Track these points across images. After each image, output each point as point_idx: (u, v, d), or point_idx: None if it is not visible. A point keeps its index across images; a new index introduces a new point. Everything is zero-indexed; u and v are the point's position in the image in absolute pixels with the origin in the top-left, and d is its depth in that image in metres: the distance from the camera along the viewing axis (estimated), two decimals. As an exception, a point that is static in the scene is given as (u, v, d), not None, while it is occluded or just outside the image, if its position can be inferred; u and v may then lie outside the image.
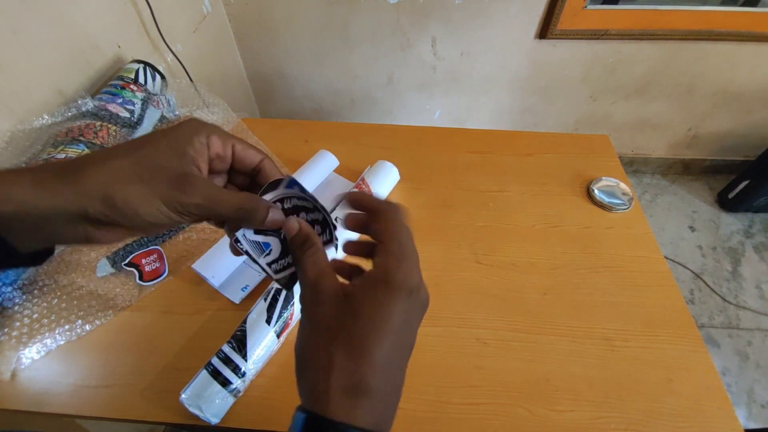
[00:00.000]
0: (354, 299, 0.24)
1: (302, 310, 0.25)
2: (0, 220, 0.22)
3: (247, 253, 0.28)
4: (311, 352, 0.24)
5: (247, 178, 0.30)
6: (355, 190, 0.30)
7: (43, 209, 0.22)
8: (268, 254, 0.29)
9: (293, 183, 0.28)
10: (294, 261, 0.27)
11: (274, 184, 0.28)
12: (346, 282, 0.27)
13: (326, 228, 0.29)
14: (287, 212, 0.29)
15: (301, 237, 0.27)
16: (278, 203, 0.28)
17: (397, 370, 0.24)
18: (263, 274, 0.56)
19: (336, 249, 0.29)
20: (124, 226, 0.24)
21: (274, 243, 0.29)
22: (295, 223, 0.27)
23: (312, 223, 0.29)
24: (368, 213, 0.27)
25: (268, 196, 0.28)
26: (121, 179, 0.23)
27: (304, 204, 0.29)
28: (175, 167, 0.24)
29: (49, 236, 0.24)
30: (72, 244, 0.27)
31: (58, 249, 0.57)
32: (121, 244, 0.58)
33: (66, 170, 0.23)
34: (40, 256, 0.26)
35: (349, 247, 0.29)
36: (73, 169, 0.23)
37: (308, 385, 0.23)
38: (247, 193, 0.27)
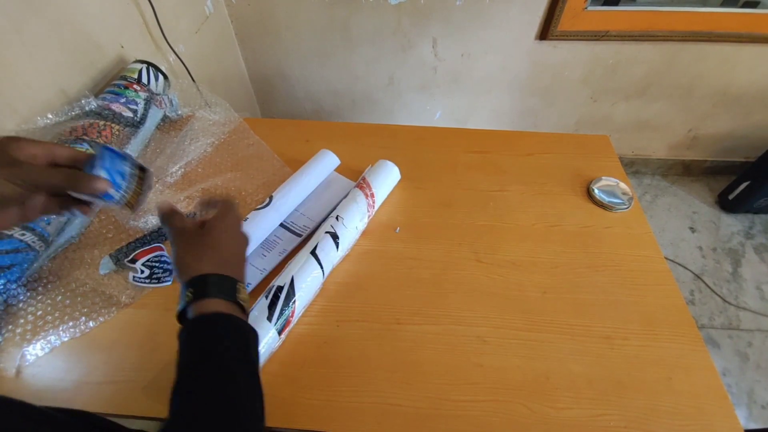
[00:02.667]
0: (208, 227, 0.42)
1: (175, 241, 0.41)
2: None
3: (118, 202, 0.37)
4: (187, 255, 0.40)
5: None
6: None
7: None
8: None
9: (106, 149, 0.36)
10: (164, 222, 0.42)
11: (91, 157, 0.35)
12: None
13: (146, 177, 0.39)
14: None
15: (166, 212, 0.43)
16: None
17: (237, 254, 0.43)
18: (264, 271, 0.57)
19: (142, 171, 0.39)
20: None
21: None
22: (104, 182, 0.35)
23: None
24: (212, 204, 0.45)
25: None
26: None
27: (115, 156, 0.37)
28: (5, 154, 0.31)
29: None
30: None
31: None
32: (124, 242, 0.58)
33: None
34: None
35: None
36: None
37: (188, 270, 0.38)
38: (68, 169, 0.34)
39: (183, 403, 0.32)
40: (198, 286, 0.37)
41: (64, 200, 0.35)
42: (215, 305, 0.37)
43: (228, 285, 0.38)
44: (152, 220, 0.62)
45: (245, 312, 0.39)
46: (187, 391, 0.33)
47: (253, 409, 0.34)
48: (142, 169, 0.38)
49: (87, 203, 0.36)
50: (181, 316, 0.38)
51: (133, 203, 0.37)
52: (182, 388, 0.33)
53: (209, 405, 0.32)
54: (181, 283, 0.38)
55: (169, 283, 0.55)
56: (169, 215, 0.42)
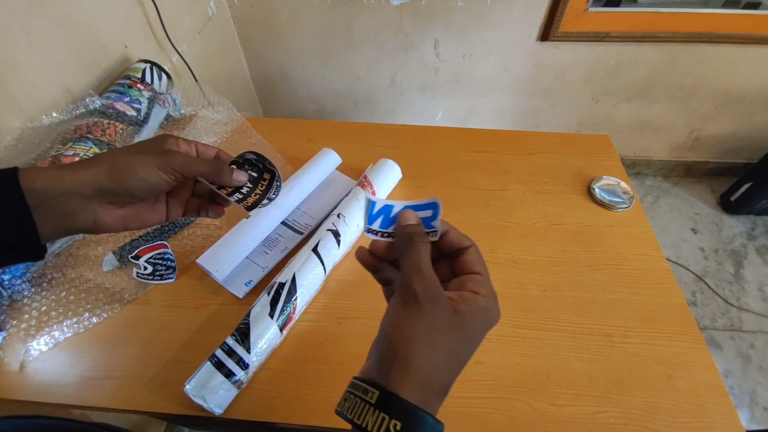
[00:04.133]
0: (463, 318, 0.25)
1: (411, 299, 0.26)
2: (33, 196, 0.29)
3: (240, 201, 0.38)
4: (420, 341, 0.24)
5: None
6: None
7: (64, 184, 0.30)
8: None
9: (250, 153, 0.40)
10: (402, 249, 0.29)
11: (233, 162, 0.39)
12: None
13: (272, 184, 0.40)
14: (240, 166, 0.40)
15: (409, 232, 0.29)
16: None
17: (457, 370, 0.27)
18: (266, 268, 0.57)
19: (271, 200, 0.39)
20: (125, 191, 0.32)
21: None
22: (245, 175, 0.38)
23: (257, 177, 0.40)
24: (452, 244, 0.30)
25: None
26: (121, 155, 0.33)
27: (256, 163, 0.41)
28: (159, 148, 0.34)
29: (67, 216, 0.31)
30: (83, 226, 0.32)
31: (64, 244, 0.58)
32: (127, 239, 0.59)
33: (82, 160, 0.33)
34: (43, 250, 0.33)
35: (377, 251, 0.31)
36: (86, 159, 0.33)
37: (408, 366, 0.24)
38: (213, 159, 0.38)
39: None
40: (405, 421, 0.23)
41: (203, 202, 0.39)
42: None
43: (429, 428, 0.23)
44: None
45: None
46: None
47: None
48: (273, 173, 0.40)
49: (220, 203, 0.39)
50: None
51: (249, 204, 0.38)
52: None
53: None
54: (380, 372, 0.25)
55: (172, 280, 0.56)
56: (432, 273, 0.27)
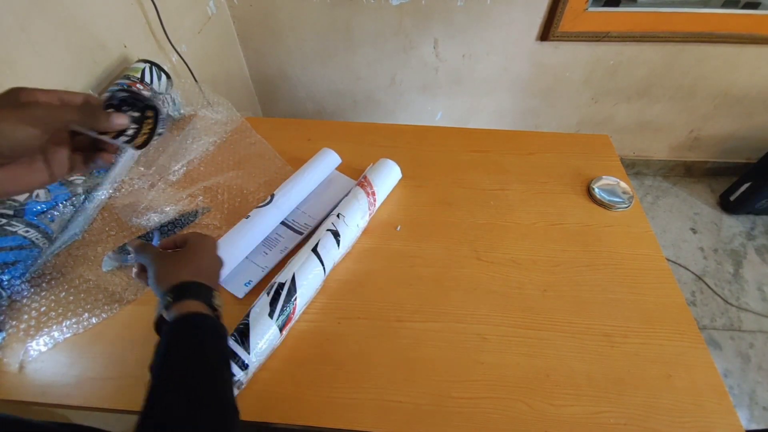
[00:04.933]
0: (185, 248, 0.45)
1: (152, 263, 0.43)
2: None
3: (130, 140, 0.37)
4: (165, 270, 0.42)
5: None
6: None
7: None
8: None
9: (121, 91, 0.36)
10: (139, 254, 0.45)
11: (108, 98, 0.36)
12: None
13: (157, 119, 0.39)
14: (117, 107, 0.36)
15: (138, 246, 0.46)
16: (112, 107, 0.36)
17: (213, 268, 0.46)
18: (265, 269, 0.57)
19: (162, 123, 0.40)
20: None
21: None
22: (124, 117, 0.35)
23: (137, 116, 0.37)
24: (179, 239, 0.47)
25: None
26: None
27: (134, 102, 0.37)
28: (14, 102, 0.30)
29: None
30: None
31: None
32: (127, 239, 0.59)
33: None
34: None
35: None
36: None
37: (167, 281, 0.41)
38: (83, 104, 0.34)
39: (171, 395, 0.34)
40: (177, 292, 0.40)
41: (88, 154, 0.36)
42: (194, 307, 0.39)
43: (204, 291, 0.41)
44: (154, 218, 0.62)
45: (220, 318, 0.41)
46: (173, 384, 0.34)
47: (233, 400, 0.36)
48: (155, 110, 0.38)
49: (107, 150, 0.36)
50: (158, 326, 0.41)
51: (140, 144, 0.38)
52: (167, 381, 0.35)
53: (199, 397, 0.34)
54: (160, 294, 0.41)
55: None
56: (141, 247, 0.45)
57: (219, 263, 0.48)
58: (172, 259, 0.44)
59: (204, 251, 0.46)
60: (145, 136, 0.38)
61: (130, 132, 0.36)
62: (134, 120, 0.36)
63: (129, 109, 0.37)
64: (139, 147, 0.38)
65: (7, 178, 0.31)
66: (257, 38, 1.29)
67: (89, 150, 0.36)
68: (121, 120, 0.35)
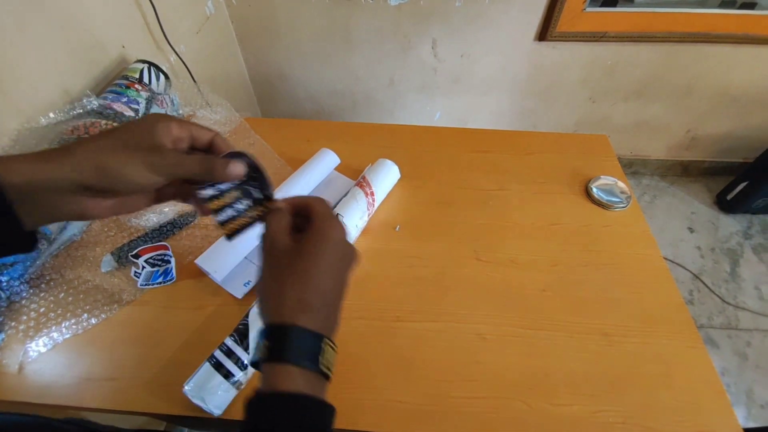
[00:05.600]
0: (301, 246, 0.31)
1: (263, 257, 0.32)
2: (12, 191, 0.27)
3: (211, 198, 0.34)
4: (270, 285, 0.31)
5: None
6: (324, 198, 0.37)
7: (46, 180, 0.27)
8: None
9: (241, 155, 0.34)
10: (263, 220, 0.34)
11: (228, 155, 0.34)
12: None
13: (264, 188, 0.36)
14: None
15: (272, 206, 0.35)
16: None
17: (332, 294, 0.32)
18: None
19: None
20: (112, 190, 0.30)
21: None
22: (241, 167, 0.33)
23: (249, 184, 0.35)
24: (302, 206, 0.35)
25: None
26: (107, 150, 0.29)
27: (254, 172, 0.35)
28: (148, 141, 0.30)
29: (50, 209, 0.29)
30: (68, 217, 0.31)
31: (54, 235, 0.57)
32: (126, 239, 0.59)
33: (62, 149, 0.29)
34: (33, 242, 0.31)
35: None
36: (67, 147, 0.29)
37: (268, 307, 0.31)
38: (206, 155, 0.33)
39: None
40: (275, 341, 0.29)
41: (192, 189, 0.35)
42: (293, 378, 0.28)
43: (312, 345, 0.29)
44: (153, 218, 0.62)
45: (328, 379, 0.30)
46: None
47: None
48: (270, 200, 0.35)
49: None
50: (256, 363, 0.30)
51: (233, 231, 0.34)
52: None
53: None
54: (261, 317, 0.32)
55: (172, 281, 0.56)
56: (282, 229, 0.33)
57: (345, 275, 0.34)
58: (282, 266, 0.31)
59: (327, 262, 0.31)
60: (240, 224, 0.34)
61: (233, 211, 0.34)
62: (243, 196, 0.34)
63: (249, 180, 0.34)
64: (229, 235, 0.34)
65: (118, 204, 0.32)
66: (256, 38, 1.29)
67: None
68: (235, 169, 0.33)
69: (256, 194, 0.34)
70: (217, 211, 0.34)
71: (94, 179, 0.28)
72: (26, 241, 0.30)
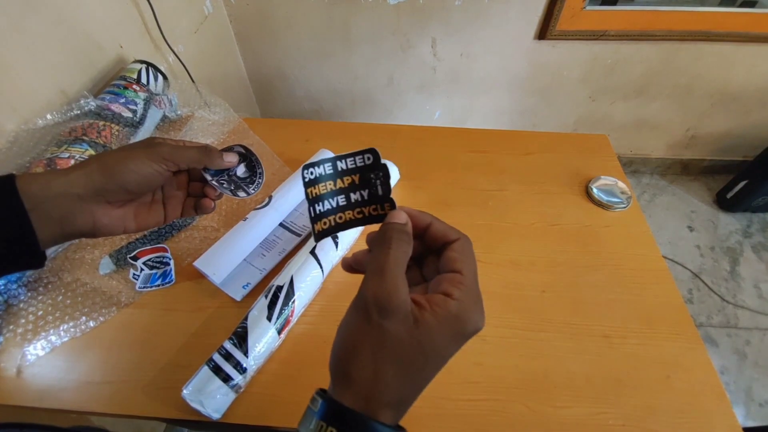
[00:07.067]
0: (425, 329, 0.23)
1: (361, 305, 0.24)
2: (30, 200, 0.30)
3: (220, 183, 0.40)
4: (363, 359, 0.23)
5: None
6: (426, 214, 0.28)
7: (58, 185, 0.31)
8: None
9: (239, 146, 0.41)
10: (372, 248, 0.27)
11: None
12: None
13: (254, 177, 0.43)
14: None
15: (385, 230, 0.26)
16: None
17: (424, 381, 0.25)
18: (263, 271, 0.57)
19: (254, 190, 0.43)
20: (120, 189, 0.33)
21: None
22: (235, 156, 0.41)
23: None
24: (437, 238, 0.27)
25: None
26: (112, 154, 0.34)
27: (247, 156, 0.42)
28: (148, 141, 0.35)
29: (64, 221, 0.31)
30: (81, 231, 0.33)
31: (59, 249, 0.57)
32: (124, 241, 0.58)
33: (75, 164, 0.34)
34: (44, 258, 0.33)
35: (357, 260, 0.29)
36: (78, 162, 0.35)
37: (348, 383, 0.24)
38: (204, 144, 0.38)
39: None
40: (348, 430, 0.22)
41: (197, 201, 0.40)
42: None
43: None
44: (152, 220, 0.62)
45: None
46: None
47: None
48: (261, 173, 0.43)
49: (209, 197, 0.41)
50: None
51: (323, 230, 0.30)
52: None
53: None
54: (334, 388, 0.24)
55: (171, 283, 0.55)
56: (402, 280, 0.24)
57: (442, 359, 0.25)
58: (388, 332, 0.23)
59: (460, 344, 0.24)
60: (339, 222, 0.30)
61: (240, 173, 0.41)
62: (245, 168, 0.41)
63: (242, 161, 0.41)
64: (318, 234, 0.30)
65: (128, 215, 0.36)
66: (254, 38, 1.29)
67: (198, 197, 0.41)
68: (229, 158, 0.39)
69: (363, 193, 0.29)
70: (314, 201, 0.29)
71: (101, 175, 0.32)
72: (39, 257, 0.32)
